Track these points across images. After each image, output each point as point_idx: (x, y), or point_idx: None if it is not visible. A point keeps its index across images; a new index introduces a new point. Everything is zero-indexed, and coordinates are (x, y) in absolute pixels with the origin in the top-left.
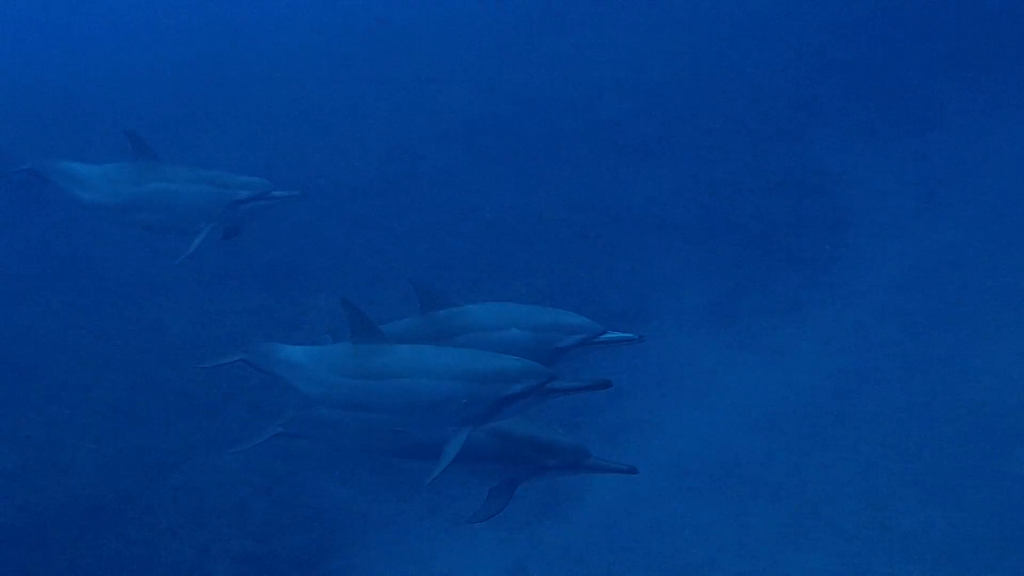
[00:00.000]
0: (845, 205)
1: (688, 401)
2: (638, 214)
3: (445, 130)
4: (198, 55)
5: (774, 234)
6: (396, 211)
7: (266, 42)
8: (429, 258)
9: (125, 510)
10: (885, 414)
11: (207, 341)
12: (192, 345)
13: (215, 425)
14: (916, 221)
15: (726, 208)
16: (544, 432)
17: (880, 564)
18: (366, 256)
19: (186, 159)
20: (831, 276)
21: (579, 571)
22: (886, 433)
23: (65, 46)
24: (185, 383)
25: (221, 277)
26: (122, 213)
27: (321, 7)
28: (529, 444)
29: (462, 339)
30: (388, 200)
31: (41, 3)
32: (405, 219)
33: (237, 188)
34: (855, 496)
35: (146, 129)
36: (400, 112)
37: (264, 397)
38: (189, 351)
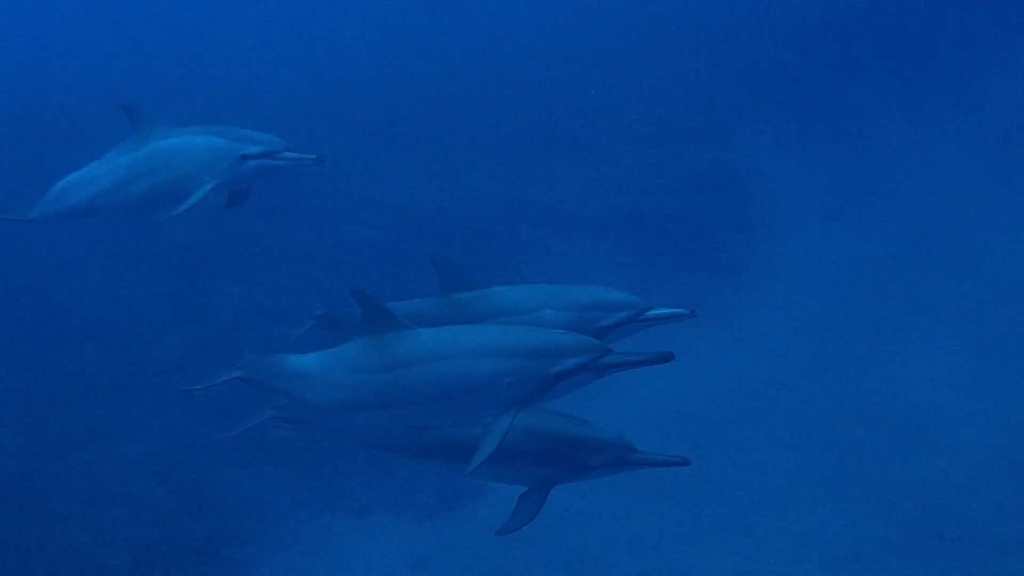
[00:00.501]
0: (759, 208)
1: (591, 399)
2: (546, 209)
3: (356, 119)
4: None
5: (686, 234)
6: (302, 197)
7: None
8: (332, 245)
9: (19, 494)
10: (788, 415)
11: (113, 324)
12: (97, 329)
13: (117, 411)
14: (828, 226)
15: (637, 206)
16: (582, 426)
17: (778, 563)
18: (275, 242)
19: None
20: (741, 278)
21: (478, 565)
22: (788, 434)
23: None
24: (87, 366)
25: (127, 259)
26: (125, 189)
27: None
28: (568, 441)
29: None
30: (295, 186)
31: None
32: (311, 206)
33: (246, 142)
34: (755, 496)
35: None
36: (309, 100)
37: (167, 383)
38: (94, 335)
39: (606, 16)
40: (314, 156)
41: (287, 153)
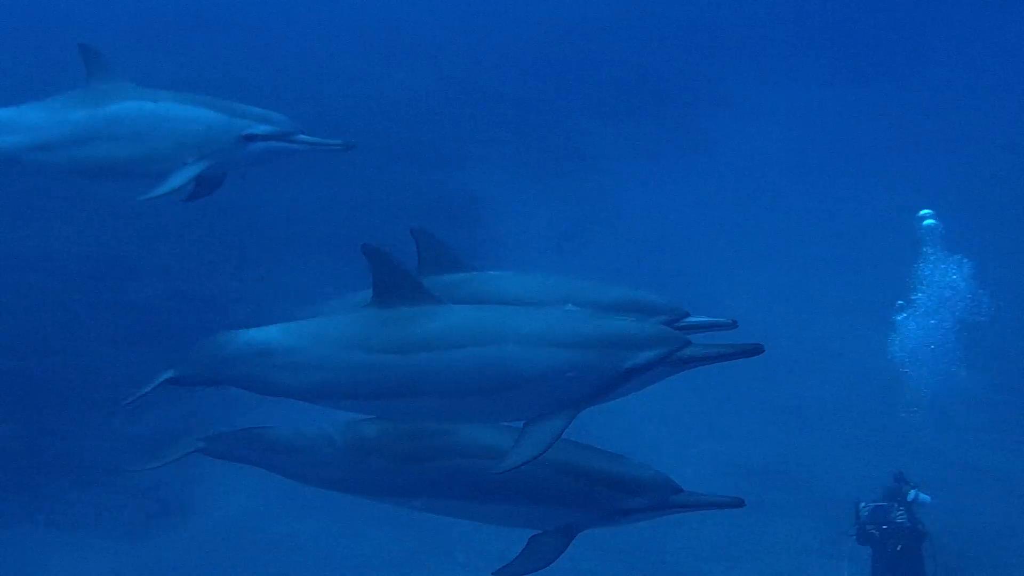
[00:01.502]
0: (488, 233)
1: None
2: (279, 226)
3: None
4: None
5: (414, 257)
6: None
7: None
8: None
9: None
10: None
11: None
12: None
13: None
14: (553, 256)
15: (369, 226)
16: (620, 462)
17: None
18: None
19: None
20: None
21: None
22: None
23: None
24: None
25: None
26: (70, 149)
27: None
28: (605, 480)
29: None
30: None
31: None
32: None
33: (252, 120)
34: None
35: None
36: None
37: None
38: None
39: (349, 38)
40: (340, 142)
41: (301, 136)
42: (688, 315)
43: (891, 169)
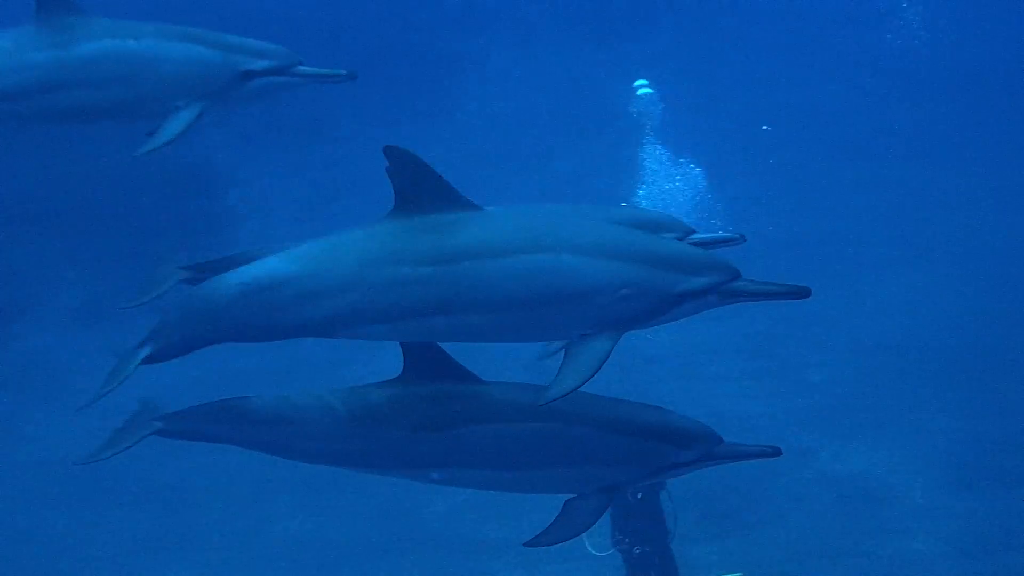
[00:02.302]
0: (233, 208)
1: (52, 404)
2: (9, 206)
3: None
4: None
5: (161, 232)
6: None
7: None
8: None
9: None
10: None
11: None
12: None
13: None
14: (301, 226)
15: (108, 203)
16: (667, 415)
17: (243, 571)
18: None
19: None
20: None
21: None
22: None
23: None
24: None
25: None
26: (34, 99)
27: None
28: (655, 434)
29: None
30: None
31: None
32: None
33: (248, 55)
34: (222, 503)
35: None
36: None
37: None
38: None
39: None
40: (343, 72)
41: (302, 68)
42: (695, 232)
43: (637, 129)
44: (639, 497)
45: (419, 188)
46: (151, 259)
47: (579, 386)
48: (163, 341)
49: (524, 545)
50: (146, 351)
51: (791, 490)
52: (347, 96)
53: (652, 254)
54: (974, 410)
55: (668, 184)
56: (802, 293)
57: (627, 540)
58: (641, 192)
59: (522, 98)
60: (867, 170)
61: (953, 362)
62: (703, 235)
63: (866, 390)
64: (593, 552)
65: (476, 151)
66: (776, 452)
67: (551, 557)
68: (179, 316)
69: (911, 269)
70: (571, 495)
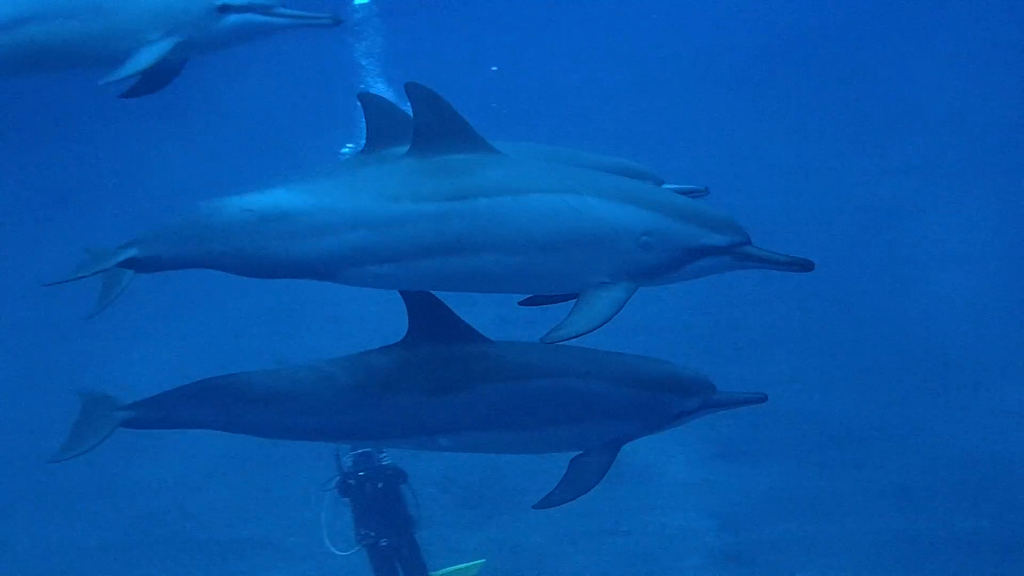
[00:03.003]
0: None
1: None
2: None
3: None
4: None
5: None
6: None
7: None
8: None
9: None
10: None
11: None
12: None
13: None
14: (44, 227)
15: None
16: (666, 364)
17: None
18: None
19: None
20: None
21: None
22: None
23: None
24: None
25: None
26: (8, 28)
27: None
28: (662, 384)
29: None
30: None
31: None
32: None
33: None
34: None
35: None
36: None
37: None
38: None
39: None
40: (328, 17)
41: (282, 9)
42: (664, 182)
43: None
44: (379, 487)
45: (440, 127)
46: None
47: (588, 332)
48: (150, 250)
49: (534, 508)
50: (130, 253)
51: (554, 475)
52: (91, 92)
53: (675, 206)
54: (731, 385)
55: None
56: (804, 266)
57: (372, 534)
58: None
59: (278, 89)
60: None
61: (704, 338)
62: (671, 185)
63: None
64: (336, 552)
65: (235, 141)
66: (763, 398)
67: (300, 556)
68: (173, 229)
69: None
70: (577, 452)
